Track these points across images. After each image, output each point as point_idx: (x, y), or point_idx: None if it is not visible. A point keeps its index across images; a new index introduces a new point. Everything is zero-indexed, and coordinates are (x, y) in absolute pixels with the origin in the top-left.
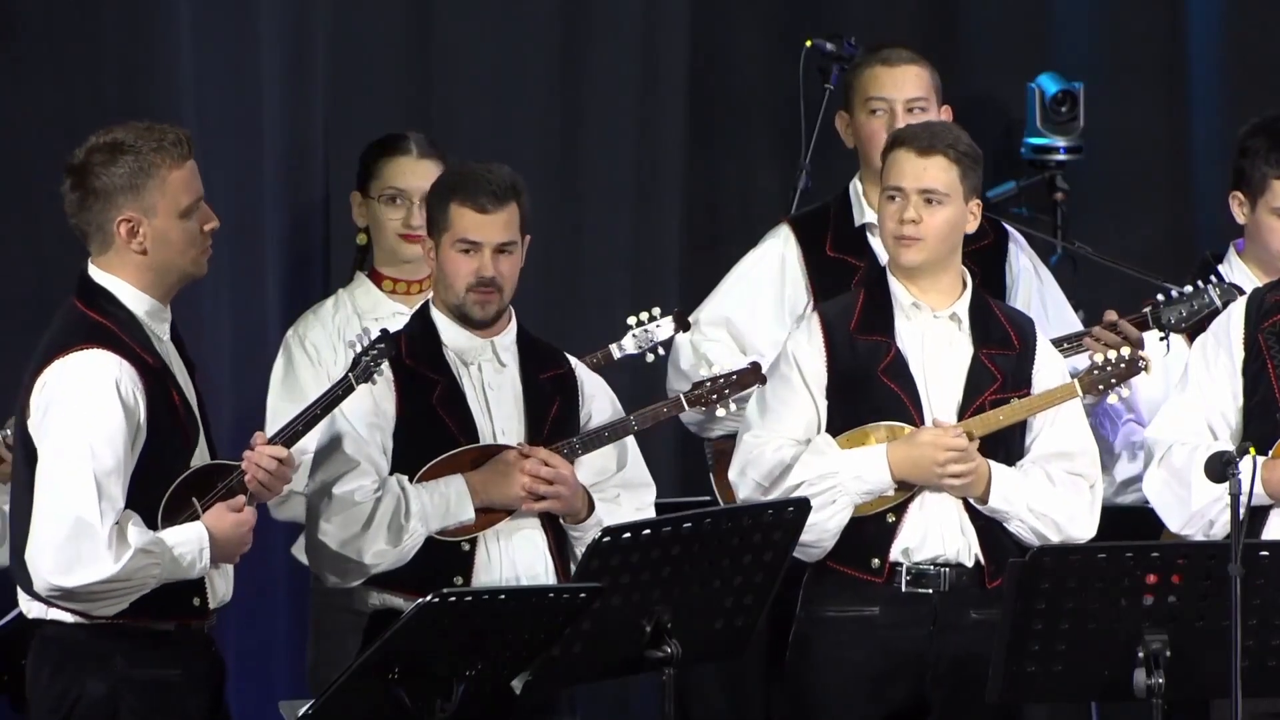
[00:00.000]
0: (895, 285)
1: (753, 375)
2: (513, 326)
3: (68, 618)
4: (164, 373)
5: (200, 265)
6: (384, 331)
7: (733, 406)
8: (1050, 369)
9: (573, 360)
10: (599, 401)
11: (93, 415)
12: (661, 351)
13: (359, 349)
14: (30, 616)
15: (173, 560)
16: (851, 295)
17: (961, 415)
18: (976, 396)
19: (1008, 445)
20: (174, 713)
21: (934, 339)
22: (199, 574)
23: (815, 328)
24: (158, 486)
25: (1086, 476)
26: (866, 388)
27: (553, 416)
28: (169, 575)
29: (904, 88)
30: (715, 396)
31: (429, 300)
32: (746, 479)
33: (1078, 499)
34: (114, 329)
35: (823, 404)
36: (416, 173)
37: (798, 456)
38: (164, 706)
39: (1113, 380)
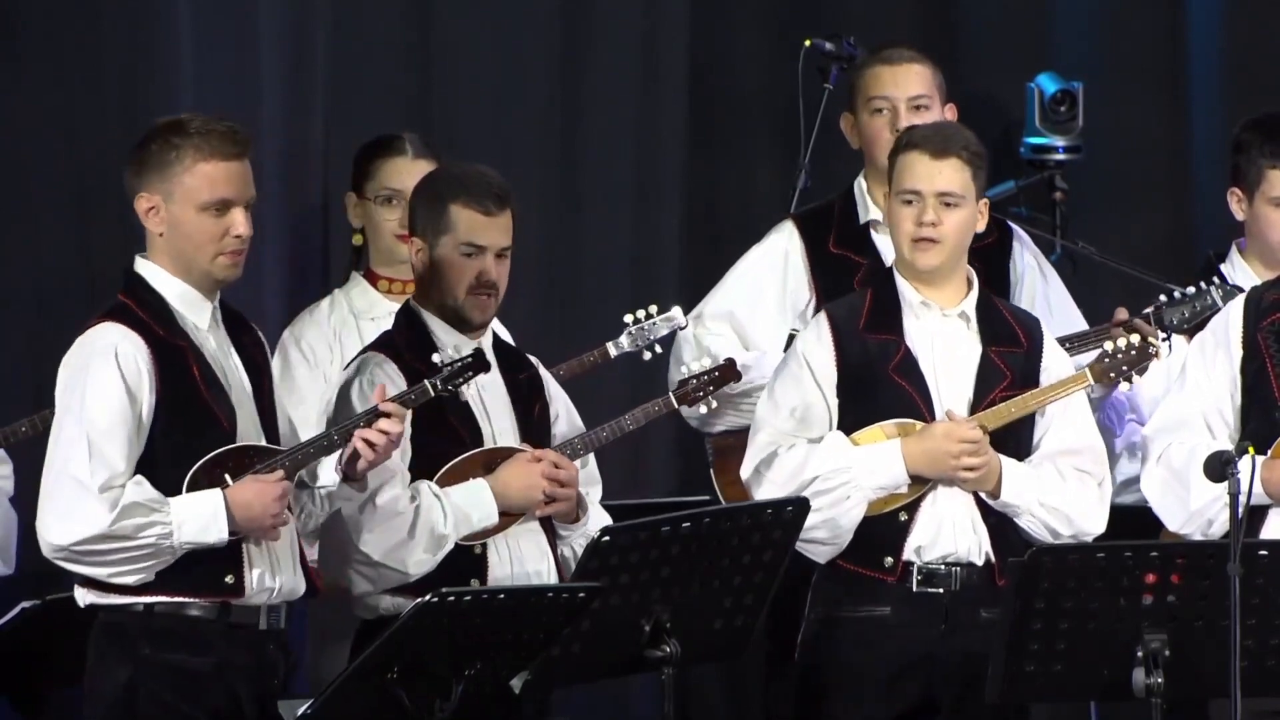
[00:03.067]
0: (903, 284)
1: (729, 371)
2: (490, 330)
3: (105, 600)
4: (184, 352)
5: (223, 268)
6: (479, 351)
7: (714, 403)
8: (1057, 366)
9: (534, 360)
10: (560, 402)
11: (88, 379)
12: (659, 349)
13: (448, 360)
14: (82, 605)
15: (184, 523)
16: (859, 295)
17: (973, 413)
18: (987, 394)
19: (1017, 441)
20: (197, 702)
21: (943, 337)
22: (217, 540)
23: (824, 327)
24: (181, 461)
25: (1094, 474)
26: (877, 386)
27: (536, 416)
28: (186, 540)
29: (906, 86)
30: (700, 393)
31: (409, 301)
32: (761, 477)
33: (1087, 494)
34: (132, 305)
35: (834, 402)
36: (412, 173)
37: (811, 454)
38: (186, 694)
39: (1124, 368)
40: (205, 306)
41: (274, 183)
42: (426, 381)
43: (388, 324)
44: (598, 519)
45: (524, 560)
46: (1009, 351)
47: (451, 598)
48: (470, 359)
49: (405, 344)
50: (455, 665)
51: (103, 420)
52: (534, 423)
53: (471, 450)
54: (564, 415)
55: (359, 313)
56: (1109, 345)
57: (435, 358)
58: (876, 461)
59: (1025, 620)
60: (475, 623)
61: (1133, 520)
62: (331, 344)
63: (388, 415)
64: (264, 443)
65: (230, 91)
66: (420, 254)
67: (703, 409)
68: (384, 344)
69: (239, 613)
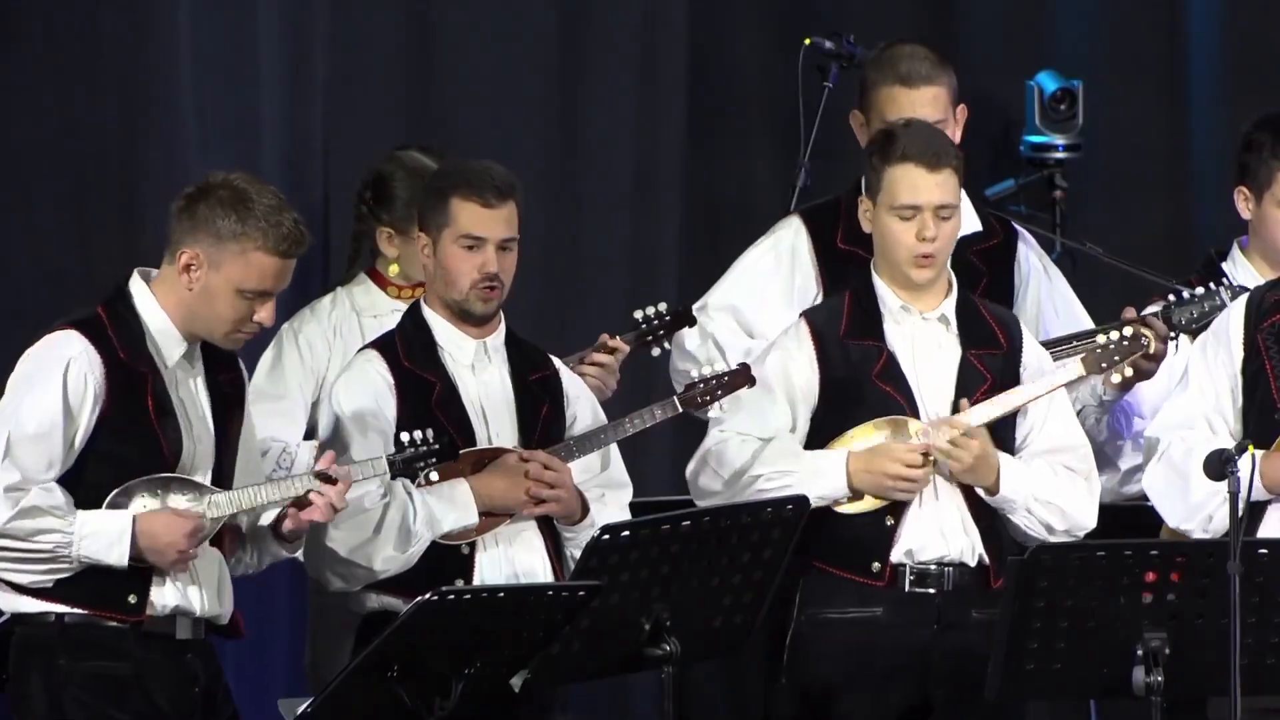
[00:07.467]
0: (882, 288)
1: (743, 377)
2: (502, 328)
3: (23, 606)
4: (143, 378)
5: (229, 342)
6: (447, 439)
7: (723, 407)
8: (1038, 364)
9: (556, 361)
10: (581, 403)
11: (31, 384)
12: (667, 345)
13: (414, 441)
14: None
15: (86, 537)
16: (837, 300)
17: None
18: (967, 398)
19: (1001, 440)
20: (124, 704)
21: (923, 341)
22: (117, 561)
23: (805, 336)
24: (115, 482)
25: (1080, 471)
26: (860, 392)
27: (543, 418)
28: (86, 554)
29: (922, 113)
30: (708, 397)
31: (420, 300)
32: (707, 470)
33: (1077, 489)
34: (102, 319)
35: (803, 410)
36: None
37: (758, 452)
38: (111, 698)
39: (1115, 358)
40: (180, 346)
41: (274, 183)
42: (385, 458)
43: (390, 322)
44: (608, 520)
45: (515, 561)
46: (988, 354)
47: (451, 596)
48: (438, 448)
49: (406, 343)
50: (455, 663)
51: (30, 427)
52: (540, 425)
53: (463, 450)
54: (586, 417)
55: (361, 310)
56: (1101, 338)
57: (404, 436)
58: (821, 467)
59: (1025, 618)
60: (475, 621)
61: (1132, 518)
62: (331, 340)
63: (333, 482)
64: (209, 482)
65: (230, 92)
66: (426, 250)
67: (712, 413)
68: (381, 342)
69: (151, 623)
